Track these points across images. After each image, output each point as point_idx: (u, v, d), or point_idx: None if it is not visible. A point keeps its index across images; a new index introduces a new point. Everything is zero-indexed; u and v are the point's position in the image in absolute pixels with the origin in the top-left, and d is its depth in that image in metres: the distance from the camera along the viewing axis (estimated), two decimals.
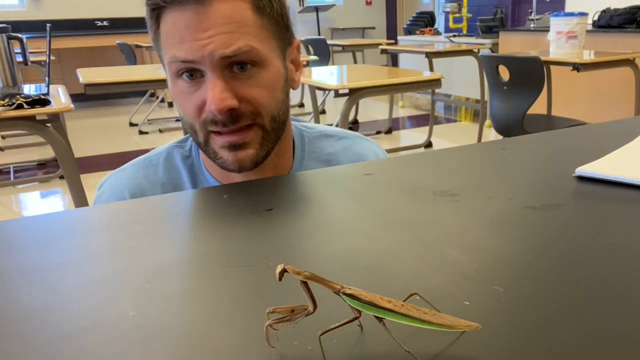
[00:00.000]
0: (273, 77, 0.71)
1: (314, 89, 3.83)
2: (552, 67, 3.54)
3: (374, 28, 8.87)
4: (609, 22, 4.00)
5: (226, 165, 0.72)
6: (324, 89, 2.70)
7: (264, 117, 0.71)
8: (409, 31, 6.60)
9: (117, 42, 5.73)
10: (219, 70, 0.67)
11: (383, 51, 4.65)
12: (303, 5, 8.18)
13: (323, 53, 5.19)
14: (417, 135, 4.88)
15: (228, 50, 0.66)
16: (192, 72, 0.69)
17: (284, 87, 0.74)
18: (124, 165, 0.82)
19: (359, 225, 0.52)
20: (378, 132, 4.96)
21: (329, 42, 5.46)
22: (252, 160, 0.72)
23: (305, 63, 3.64)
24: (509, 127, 2.89)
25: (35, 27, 6.07)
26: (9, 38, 2.40)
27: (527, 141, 0.82)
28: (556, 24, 3.31)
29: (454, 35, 5.70)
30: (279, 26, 0.72)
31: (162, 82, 2.92)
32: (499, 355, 0.32)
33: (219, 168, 0.77)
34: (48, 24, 2.08)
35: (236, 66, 0.68)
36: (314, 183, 0.66)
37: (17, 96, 1.90)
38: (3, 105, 1.83)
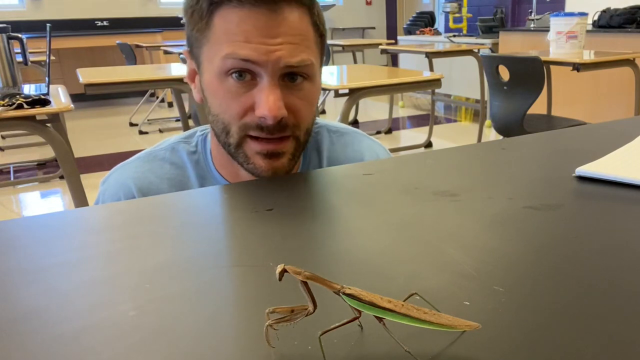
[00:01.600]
0: (317, 91, 0.74)
1: None
2: (552, 67, 3.53)
3: (374, 28, 8.87)
4: (609, 22, 4.00)
5: (259, 171, 0.72)
6: (324, 89, 2.70)
7: (301, 129, 0.73)
8: (409, 31, 6.60)
9: (117, 42, 5.73)
10: (277, 78, 0.68)
11: (383, 51, 4.65)
12: None
13: None
14: (417, 135, 4.88)
15: (294, 60, 0.67)
16: (242, 73, 0.68)
17: (317, 100, 0.76)
18: (128, 160, 0.82)
19: (359, 225, 0.52)
20: (378, 132, 4.96)
21: (329, 42, 5.46)
22: (285, 169, 0.73)
23: None
24: (509, 127, 2.89)
25: (35, 27, 6.07)
26: (9, 38, 2.40)
27: (527, 141, 0.82)
28: (556, 24, 3.31)
29: (454, 35, 5.70)
30: (323, 45, 0.75)
31: (162, 82, 2.92)
32: (499, 355, 0.32)
33: (231, 168, 0.77)
34: (48, 24, 2.08)
35: (287, 77, 0.69)
36: (314, 183, 0.66)
37: (17, 96, 1.90)
38: (3, 105, 1.83)
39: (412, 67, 5.57)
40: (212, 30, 0.69)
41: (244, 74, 0.68)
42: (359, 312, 0.33)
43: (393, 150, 4.34)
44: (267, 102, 0.67)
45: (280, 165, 0.72)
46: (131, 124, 5.57)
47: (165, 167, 0.79)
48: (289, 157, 0.73)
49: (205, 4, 0.68)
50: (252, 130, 0.70)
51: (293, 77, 0.70)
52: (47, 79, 2.23)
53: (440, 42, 5.44)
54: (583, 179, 0.62)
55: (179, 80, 2.74)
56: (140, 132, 5.23)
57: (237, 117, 0.70)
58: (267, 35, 0.66)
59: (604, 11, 4.09)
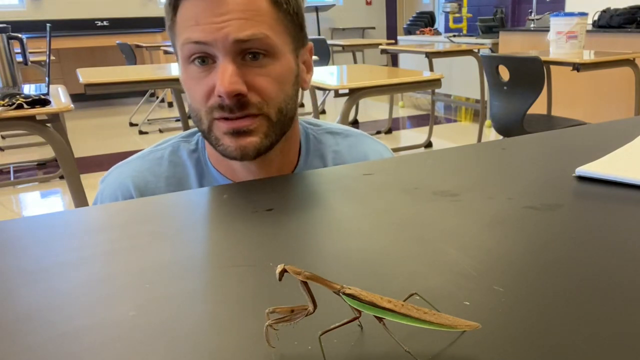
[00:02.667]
0: (284, 69, 0.72)
1: (314, 89, 3.83)
2: (552, 67, 3.53)
3: (374, 28, 8.87)
4: (609, 22, 4.00)
5: (228, 152, 0.72)
6: (324, 89, 2.70)
7: (270, 107, 0.71)
8: (409, 31, 6.59)
9: (117, 42, 5.73)
10: (231, 55, 0.68)
11: (383, 51, 4.65)
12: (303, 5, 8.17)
13: (323, 53, 5.18)
14: (417, 135, 4.88)
15: (242, 34, 0.67)
16: (204, 59, 0.69)
17: (294, 82, 0.75)
18: (128, 158, 0.82)
19: (359, 225, 0.52)
20: (378, 132, 4.96)
21: (329, 42, 5.45)
22: (255, 148, 0.72)
23: None
24: (509, 127, 2.89)
25: (35, 27, 6.07)
26: (9, 38, 2.40)
27: (527, 141, 0.82)
28: (556, 24, 3.31)
29: (454, 35, 5.70)
30: (294, 24, 0.74)
31: (162, 82, 2.92)
32: (499, 355, 0.32)
33: (225, 163, 0.77)
34: (48, 24, 2.08)
35: (249, 55, 0.69)
36: (314, 183, 0.66)
37: (17, 96, 1.89)
38: (3, 105, 1.83)
39: (412, 67, 5.57)
40: (176, 24, 0.71)
41: (206, 59, 0.69)
42: (359, 312, 0.33)
43: (393, 150, 4.34)
44: (221, 79, 0.67)
45: (249, 143, 0.71)
46: (131, 124, 5.57)
47: (164, 166, 0.80)
48: (261, 135, 0.72)
49: (171, 1, 0.71)
50: (216, 111, 0.70)
51: (255, 56, 0.69)
52: (47, 79, 2.23)
53: (440, 42, 5.44)
54: (583, 179, 0.62)
55: (179, 80, 2.74)
56: (140, 132, 5.22)
57: (203, 101, 0.71)
58: (213, 14, 0.67)
59: (604, 11, 4.09)
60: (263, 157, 0.74)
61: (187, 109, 0.78)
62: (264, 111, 0.71)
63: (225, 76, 0.67)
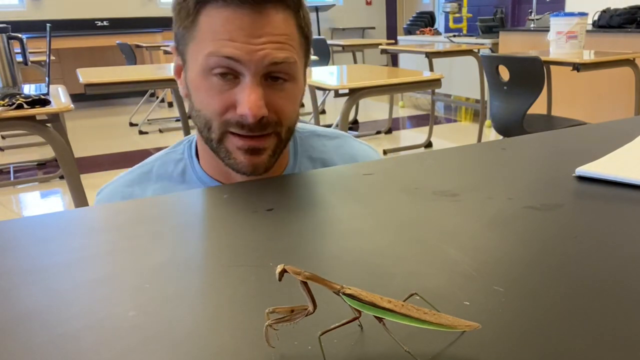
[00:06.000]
0: (299, 91, 0.75)
1: (314, 89, 3.83)
2: (552, 67, 3.53)
3: (374, 28, 8.87)
4: (609, 22, 4.00)
5: (239, 167, 0.73)
6: (324, 89, 2.70)
7: (283, 126, 0.73)
8: (409, 31, 6.59)
9: (117, 42, 5.73)
10: (259, 77, 0.69)
11: (383, 51, 4.65)
12: None
13: (323, 53, 5.18)
14: (417, 135, 4.88)
15: (278, 58, 0.68)
16: (227, 74, 0.70)
17: (301, 99, 0.77)
18: (121, 174, 0.84)
19: (359, 225, 0.52)
20: (378, 132, 4.96)
21: (329, 42, 5.45)
22: (265, 165, 0.74)
23: None
24: (509, 127, 2.89)
25: (35, 27, 6.07)
26: (9, 38, 2.40)
27: (527, 141, 0.82)
28: (556, 24, 3.31)
29: (454, 35, 5.70)
30: (308, 46, 0.76)
31: (162, 82, 2.92)
32: (499, 355, 0.32)
33: (220, 168, 0.77)
34: (48, 24, 2.08)
35: (270, 78, 0.70)
36: (314, 183, 0.66)
37: (17, 96, 1.89)
38: (3, 105, 1.83)
39: (412, 67, 5.57)
40: (197, 28, 0.70)
41: (229, 74, 0.70)
42: (359, 312, 0.33)
43: (393, 150, 4.36)
44: (248, 101, 0.68)
45: (260, 161, 0.73)
46: (131, 124, 5.57)
47: (152, 179, 0.82)
48: (270, 153, 0.74)
49: (192, 2, 0.69)
50: (233, 127, 0.71)
51: (275, 78, 0.71)
52: (47, 79, 2.23)
53: (440, 42, 5.44)
54: (583, 179, 0.62)
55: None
56: (140, 132, 5.22)
57: (219, 113, 0.71)
58: (251, 35, 0.67)
59: (604, 11, 4.08)
60: None
61: (187, 109, 0.78)
62: (277, 130, 0.73)
63: (252, 99, 0.68)
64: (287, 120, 0.73)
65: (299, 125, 0.90)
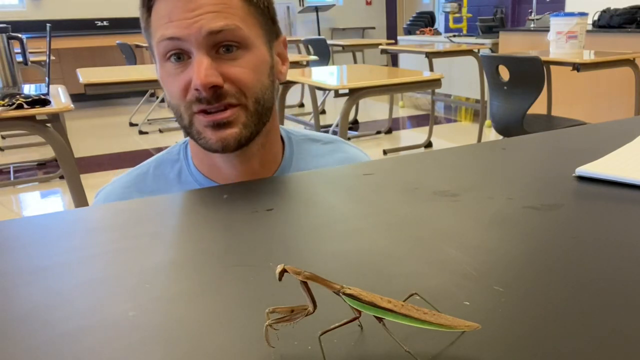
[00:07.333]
0: (258, 60, 0.74)
1: (314, 89, 3.83)
2: (552, 67, 3.53)
3: (374, 28, 8.87)
4: (609, 22, 4.00)
5: (209, 144, 0.74)
6: (324, 89, 2.70)
7: (248, 97, 0.73)
8: (409, 31, 6.60)
9: (117, 42, 5.73)
10: (205, 49, 0.70)
11: (383, 51, 4.65)
12: (303, 5, 8.18)
13: (323, 53, 5.18)
14: (417, 135, 4.88)
15: (215, 26, 0.69)
16: (180, 55, 0.71)
17: (269, 73, 0.76)
18: (119, 176, 0.85)
19: (358, 225, 0.52)
20: (378, 132, 4.96)
21: (329, 42, 5.45)
22: (236, 139, 0.73)
23: (305, 63, 3.63)
24: (509, 127, 2.89)
25: (35, 27, 6.07)
26: (9, 38, 2.40)
27: (527, 141, 0.82)
28: (556, 24, 3.31)
29: (454, 35, 5.70)
30: (265, 17, 0.76)
31: None
32: (499, 355, 0.32)
33: (209, 162, 0.79)
34: (48, 24, 2.08)
35: (222, 48, 0.71)
36: (314, 183, 0.66)
37: (17, 96, 1.89)
38: (3, 105, 1.83)
39: (412, 67, 5.57)
40: (151, 24, 0.73)
41: (182, 55, 0.71)
42: (359, 312, 0.33)
43: (393, 150, 4.36)
44: (197, 72, 0.69)
45: (229, 135, 0.73)
46: (131, 124, 5.57)
47: (148, 181, 0.82)
48: (240, 126, 0.73)
49: (145, 2, 0.73)
50: (195, 105, 0.72)
51: (228, 48, 0.71)
52: (47, 79, 2.23)
53: (440, 42, 5.44)
54: (583, 179, 0.62)
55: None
56: (140, 132, 5.22)
57: (181, 96, 0.72)
58: (186, 10, 0.69)
59: (604, 11, 4.09)
60: (244, 150, 0.76)
61: (167, 107, 0.79)
62: (242, 101, 0.73)
63: (200, 69, 0.69)
64: (250, 90, 0.73)
65: (293, 129, 0.91)
